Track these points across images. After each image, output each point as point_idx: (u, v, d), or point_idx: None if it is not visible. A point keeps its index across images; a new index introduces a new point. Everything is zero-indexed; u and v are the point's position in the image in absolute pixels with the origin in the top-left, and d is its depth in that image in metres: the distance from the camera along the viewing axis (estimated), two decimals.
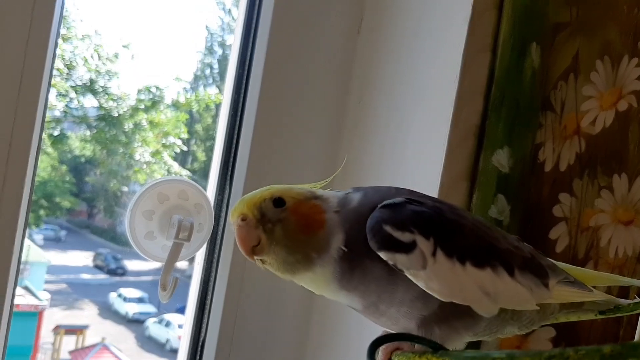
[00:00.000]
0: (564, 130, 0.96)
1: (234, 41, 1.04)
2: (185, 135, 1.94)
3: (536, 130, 0.94)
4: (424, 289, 0.54)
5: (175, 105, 1.99)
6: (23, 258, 1.87)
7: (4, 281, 0.87)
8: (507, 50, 0.90)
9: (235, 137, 1.01)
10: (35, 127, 0.87)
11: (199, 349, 1.01)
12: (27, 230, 1.97)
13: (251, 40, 1.01)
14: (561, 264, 0.66)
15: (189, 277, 1.06)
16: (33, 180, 0.90)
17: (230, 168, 1.01)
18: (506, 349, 0.95)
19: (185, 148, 1.95)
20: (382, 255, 0.54)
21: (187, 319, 1.05)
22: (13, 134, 0.86)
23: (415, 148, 0.94)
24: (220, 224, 1.01)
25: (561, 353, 0.45)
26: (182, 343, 1.05)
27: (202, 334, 1.01)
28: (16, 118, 0.86)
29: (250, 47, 1.01)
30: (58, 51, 1.63)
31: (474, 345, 0.92)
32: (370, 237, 0.54)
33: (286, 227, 0.57)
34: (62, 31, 1.61)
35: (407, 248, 0.54)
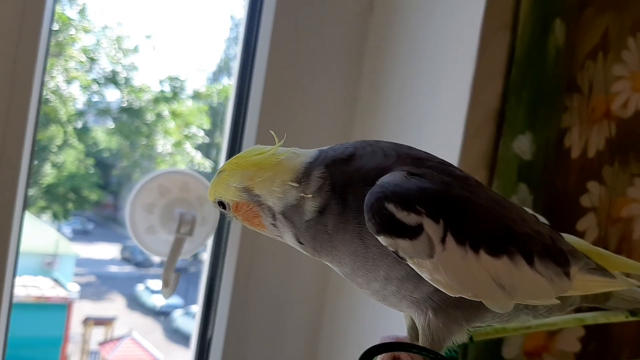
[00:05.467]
0: (592, 113, 0.89)
1: (240, 28, 1.00)
2: (207, 126, 1.93)
3: (561, 113, 0.87)
4: (429, 281, 0.47)
5: (196, 95, 1.98)
6: (52, 251, 1.88)
7: (1, 275, 0.84)
8: (529, 28, 0.84)
9: (241, 126, 0.96)
10: (30, 117, 0.84)
11: (207, 346, 0.97)
12: (57, 223, 1.97)
13: (256, 21, 0.96)
14: (577, 241, 0.59)
15: None
16: (30, 172, 0.87)
17: None
18: (531, 347, 0.89)
19: (207, 138, 1.93)
20: (382, 240, 0.46)
21: (196, 316, 1.01)
22: (7, 125, 0.83)
23: (430, 134, 0.88)
24: (227, 217, 0.96)
25: None
26: (192, 341, 1.02)
27: (209, 332, 0.97)
28: (10, 110, 0.83)
29: (255, 29, 0.96)
30: (78, 46, 1.61)
31: (497, 339, 0.87)
32: (368, 217, 0.46)
33: (240, 221, 0.54)
34: (81, 23, 1.59)
35: (412, 232, 0.46)
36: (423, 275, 0.47)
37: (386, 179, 0.48)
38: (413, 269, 0.48)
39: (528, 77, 0.85)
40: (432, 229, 0.46)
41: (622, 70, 0.90)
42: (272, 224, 0.52)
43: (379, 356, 0.48)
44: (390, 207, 0.46)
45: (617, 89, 0.90)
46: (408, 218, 0.46)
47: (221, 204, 0.54)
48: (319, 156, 0.52)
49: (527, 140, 0.85)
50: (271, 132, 0.54)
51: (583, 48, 0.88)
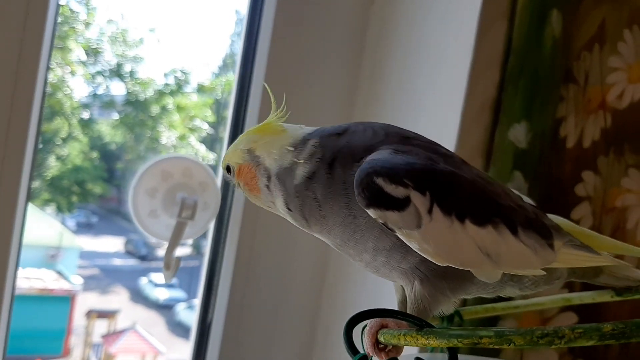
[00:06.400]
0: (587, 104, 0.90)
1: (243, 21, 1.01)
2: (211, 119, 1.93)
3: (557, 103, 0.88)
4: (417, 251, 0.49)
5: (201, 89, 1.98)
6: (56, 243, 1.89)
7: (3, 267, 0.85)
8: (526, 18, 0.85)
9: (242, 119, 0.98)
10: (34, 109, 0.86)
11: (206, 331, 0.99)
12: (60, 216, 1.98)
13: (258, 14, 0.98)
14: (562, 221, 0.61)
15: None
16: (32, 167, 0.88)
17: None
18: None
19: (211, 131, 1.93)
20: (371, 213, 0.49)
21: (197, 301, 1.03)
22: (11, 116, 0.84)
23: (427, 122, 0.89)
24: (228, 202, 0.98)
25: (555, 331, 0.41)
26: (193, 325, 1.03)
27: (209, 317, 0.99)
28: (13, 104, 0.84)
29: (257, 22, 0.98)
30: (82, 39, 1.62)
31: (491, 320, 0.88)
32: (358, 191, 0.48)
33: (242, 188, 0.58)
34: (85, 16, 1.60)
35: (400, 205, 0.48)
36: (412, 246, 0.49)
37: (374, 156, 0.50)
38: (399, 240, 0.50)
39: (525, 66, 0.86)
40: (419, 200, 0.48)
41: (618, 61, 0.91)
42: (267, 186, 0.55)
43: (367, 326, 0.50)
44: (379, 181, 0.48)
45: (612, 80, 0.91)
46: (396, 191, 0.48)
47: (229, 169, 0.58)
48: (317, 130, 0.56)
49: (522, 129, 0.86)
50: (272, 100, 0.58)
51: (579, 39, 0.89)
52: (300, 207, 0.53)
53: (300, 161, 0.53)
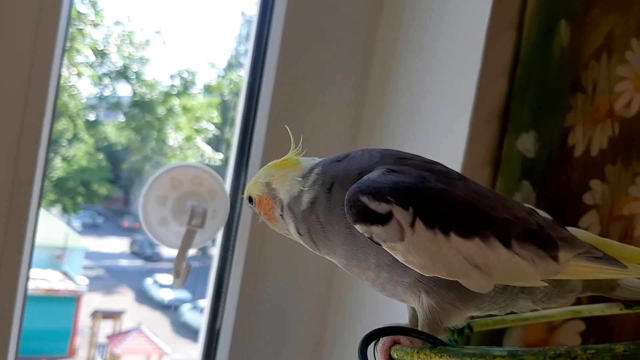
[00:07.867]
0: (595, 112, 0.90)
1: (252, 25, 1.02)
2: (217, 120, 1.93)
3: (565, 112, 0.89)
4: (404, 262, 0.51)
5: (207, 89, 1.98)
6: (62, 244, 1.89)
7: (16, 268, 0.86)
8: (534, 28, 0.86)
9: (252, 121, 0.98)
10: (47, 111, 0.86)
11: (215, 338, 0.99)
12: (66, 217, 1.98)
13: (268, 19, 0.98)
14: (585, 234, 0.60)
15: None
16: (45, 170, 0.89)
17: (246, 153, 0.98)
18: (532, 341, 0.91)
19: (217, 132, 1.94)
20: (358, 228, 0.52)
21: (205, 308, 1.03)
22: (24, 119, 0.85)
23: (436, 132, 0.90)
24: (237, 210, 0.98)
25: (568, 352, 0.41)
26: (201, 332, 1.04)
27: (218, 323, 0.99)
28: (26, 108, 0.85)
29: (266, 27, 0.98)
30: (89, 40, 1.62)
31: (498, 333, 0.89)
32: (347, 209, 0.52)
33: (263, 217, 0.62)
34: (92, 17, 1.61)
35: (383, 219, 0.51)
36: (398, 258, 0.52)
37: (366, 176, 0.54)
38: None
39: (533, 76, 0.86)
40: (401, 215, 0.51)
41: (626, 70, 0.91)
42: (281, 215, 0.59)
43: (380, 342, 0.51)
44: (364, 199, 0.52)
45: (620, 89, 0.91)
46: (379, 207, 0.51)
47: (250, 200, 0.61)
48: (323, 159, 0.59)
49: (531, 139, 0.87)
50: (291, 139, 0.60)
51: (587, 49, 0.89)
52: (308, 230, 0.57)
53: (306, 189, 0.56)
